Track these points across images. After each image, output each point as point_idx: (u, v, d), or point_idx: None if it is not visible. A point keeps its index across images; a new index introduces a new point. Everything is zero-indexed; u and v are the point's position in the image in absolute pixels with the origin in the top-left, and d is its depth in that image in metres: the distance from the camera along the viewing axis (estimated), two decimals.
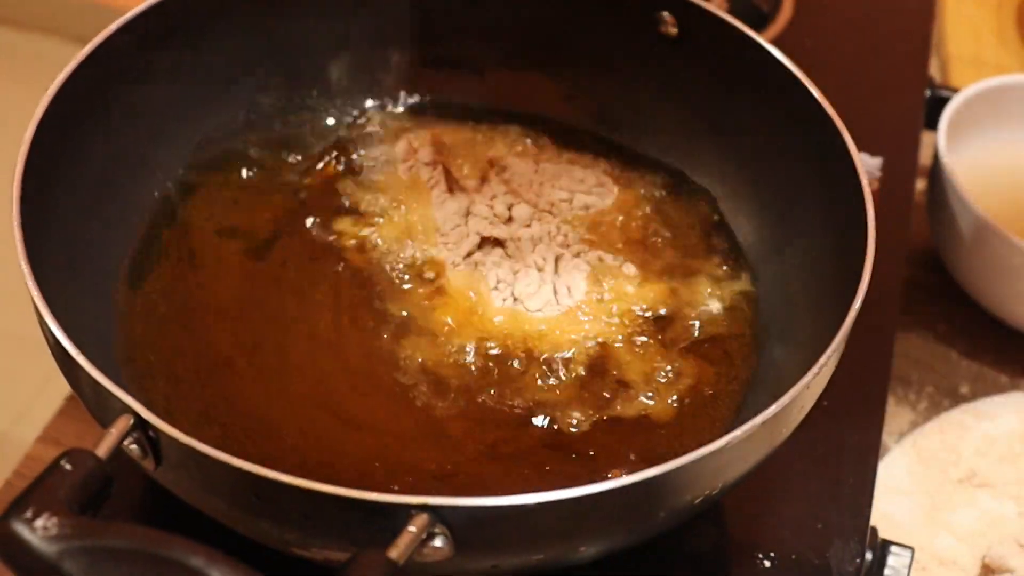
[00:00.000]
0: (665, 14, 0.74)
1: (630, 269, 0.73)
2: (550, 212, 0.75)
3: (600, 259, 0.73)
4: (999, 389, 0.92)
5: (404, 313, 0.69)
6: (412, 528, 0.47)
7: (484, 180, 0.77)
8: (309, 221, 0.74)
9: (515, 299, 0.70)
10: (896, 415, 0.90)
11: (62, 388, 0.88)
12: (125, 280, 0.69)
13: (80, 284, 0.64)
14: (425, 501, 0.48)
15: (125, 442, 0.50)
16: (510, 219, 0.74)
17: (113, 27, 0.66)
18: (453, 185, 0.76)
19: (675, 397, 0.67)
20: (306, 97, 0.80)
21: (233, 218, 0.74)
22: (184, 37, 0.72)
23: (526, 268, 0.72)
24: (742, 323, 0.71)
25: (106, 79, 0.67)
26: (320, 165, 0.77)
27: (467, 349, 0.68)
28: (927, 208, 0.97)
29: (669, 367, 0.68)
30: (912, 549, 0.71)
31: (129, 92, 0.70)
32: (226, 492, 0.51)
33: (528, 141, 0.80)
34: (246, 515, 0.52)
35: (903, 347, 0.92)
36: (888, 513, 0.82)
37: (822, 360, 0.55)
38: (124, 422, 0.50)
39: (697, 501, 0.54)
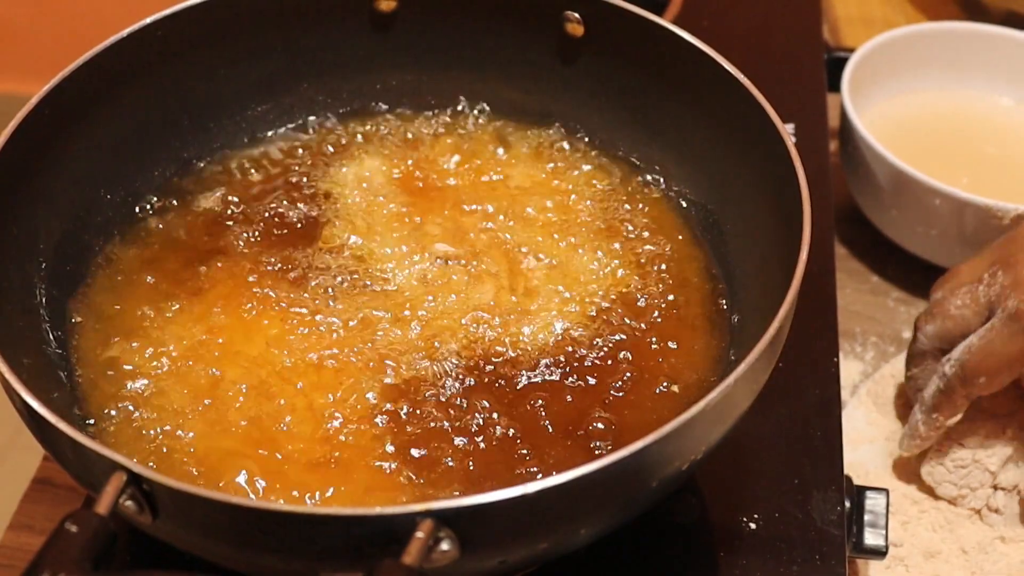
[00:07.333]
0: (570, 13, 0.76)
1: (581, 259, 0.74)
2: (501, 216, 0.77)
3: (552, 253, 0.75)
4: None
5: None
6: (420, 534, 0.48)
7: (431, 199, 0.78)
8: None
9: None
10: (846, 368, 0.91)
11: (18, 478, 0.87)
12: (80, 343, 0.68)
13: (39, 357, 0.64)
14: (428, 507, 0.49)
15: (120, 499, 0.50)
16: (460, 231, 0.76)
17: (33, 101, 0.66)
18: (403, 214, 0.77)
19: (628, 375, 0.68)
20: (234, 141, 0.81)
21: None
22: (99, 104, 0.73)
23: (479, 275, 0.73)
24: (700, 296, 0.73)
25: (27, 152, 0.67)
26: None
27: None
28: (843, 166, 1.00)
29: (629, 350, 0.70)
30: (887, 491, 0.73)
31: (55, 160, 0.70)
32: (229, 533, 0.51)
33: (465, 153, 0.82)
34: (251, 553, 0.52)
35: (841, 303, 0.94)
36: (855, 462, 0.84)
37: (782, 312, 0.57)
38: (117, 479, 0.50)
39: (685, 467, 0.56)
